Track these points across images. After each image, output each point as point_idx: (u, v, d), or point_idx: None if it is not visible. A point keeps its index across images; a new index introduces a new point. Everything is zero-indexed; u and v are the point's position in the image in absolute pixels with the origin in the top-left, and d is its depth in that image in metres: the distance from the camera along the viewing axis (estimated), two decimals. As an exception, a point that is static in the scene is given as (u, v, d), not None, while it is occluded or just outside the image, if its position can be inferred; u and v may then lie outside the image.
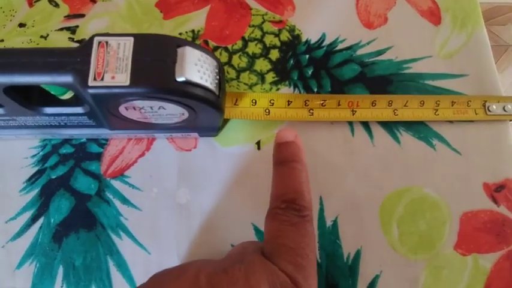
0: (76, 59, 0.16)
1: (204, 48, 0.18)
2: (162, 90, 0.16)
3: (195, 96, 0.17)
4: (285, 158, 0.18)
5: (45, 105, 0.19)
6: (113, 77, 0.16)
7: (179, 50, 0.17)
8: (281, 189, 0.17)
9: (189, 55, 0.17)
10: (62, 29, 0.26)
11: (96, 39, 0.16)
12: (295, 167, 0.18)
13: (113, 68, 0.16)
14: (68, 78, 0.16)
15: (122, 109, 0.18)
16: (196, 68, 0.17)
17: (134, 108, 0.18)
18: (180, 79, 0.16)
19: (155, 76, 0.16)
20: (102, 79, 0.16)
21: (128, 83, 0.16)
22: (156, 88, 0.16)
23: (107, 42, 0.16)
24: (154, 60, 0.16)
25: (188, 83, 0.16)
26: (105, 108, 0.18)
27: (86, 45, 0.16)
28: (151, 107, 0.18)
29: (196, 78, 0.17)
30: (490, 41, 0.27)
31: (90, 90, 0.16)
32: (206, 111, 0.19)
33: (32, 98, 0.19)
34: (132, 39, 0.16)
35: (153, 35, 0.17)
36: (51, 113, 0.19)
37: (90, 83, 0.16)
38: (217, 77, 0.18)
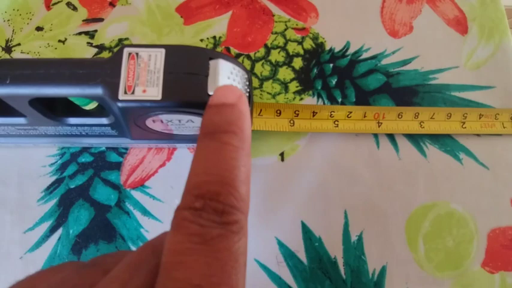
0: (106, 70, 0.15)
1: (235, 59, 0.17)
2: (194, 104, 0.16)
3: (227, 111, 0.16)
4: (215, 128, 0.12)
5: (69, 116, 0.18)
6: (144, 91, 0.15)
7: (211, 62, 0.16)
8: (199, 175, 0.11)
9: (222, 68, 0.16)
10: (80, 33, 0.25)
11: (126, 51, 0.16)
12: (229, 141, 0.12)
13: (144, 81, 0.15)
14: (97, 91, 0.15)
15: (148, 122, 0.18)
16: (228, 82, 0.16)
17: (161, 121, 0.18)
18: (212, 93, 0.16)
19: (188, 90, 0.15)
20: (132, 92, 0.15)
21: (159, 97, 0.15)
22: (189, 103, 0.15)
23: (137, 54, 0.16)
24: (186, 73, 0.16)
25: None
26: (131, 121, 0.17)
27: (115, 57, 0.16)
28: (179, 120, 0.17)
29: (228, 92, 0.16)
30: (517, 52, 0.26)
31: (120, 104, 0.15)
32: (235, 124, 0.18)
33: (55, 108, 0.18)
34: (163, 50, 0.16)
35: (185, 46, 0.16)
36: (75, 124, 0.19)
37: (121, 96, 0.15)
38: (248, 89, 0.18)
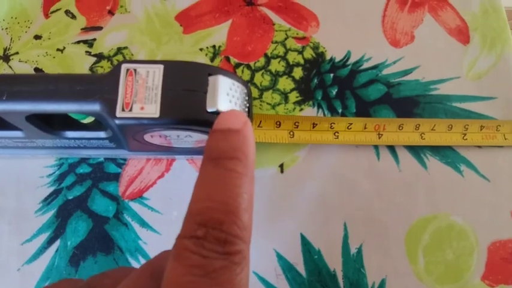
0: (104, 87, 0.15)
1: (234, 74, 0.17)
2: (193, 122, 0.15)
3: (226, 127, 0.16)
4: (220, 153, 0.12)
5: (66, 130, 0.18)
6: (142, 108, 0.15)
7: (210, 78, 0.16)
8: (201, 202, 0.11)
9: (221, 84, 0.16)
10: (79, 42, 0.25)
11: (124, 67, 0.16)
12: (233, 168, 0.11)
13: (142, 98, 0.15)
14: (95, 107, 0.15)
15: (147, 136, 0.17)
16: (228, 98, 0.16)
17: (160, 136, 0.17)
18: (211, 110, 0.15)
19: (186, 107, 0.15)
20: (130, 110, 0.15)
21: (157, 114, 0.15)
22: (187, 120, 0.15)
23: (135, 70, 0.15)
24: (185, 89, 0.15)
25: (220, 113, 0.16)
26: (129, 135, 0.17)
27: (113, 73, 0.16)
28: (178, 135, 0.17)
29: (227, 108, 0.16)
30: (519, 62, 0.26)
31: (118, 121, 0.15)
32: (234, 138, 0.18)
33: (52, 122, 0.18)
34: (161, 67, 0.16)
35: (183, 62, 0.16)
36: (72, 137, 0.19)
37: (118, 114, 0.15)
38: (247, 104, 0.18)
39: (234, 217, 0.11)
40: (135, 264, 0.21)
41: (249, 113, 0.18)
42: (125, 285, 0.11)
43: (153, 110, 0.15)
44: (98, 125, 0.18)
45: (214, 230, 0.10)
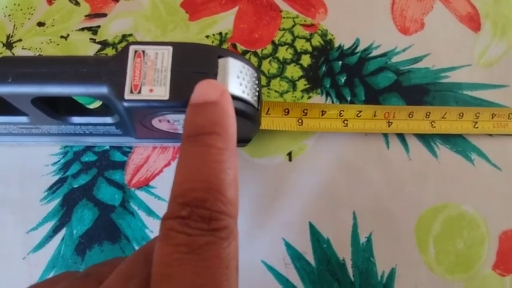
0: (111, 69, 0.15)
1: (244, 58, 0.17)
2: (203, 105, 0.15)
3: (236, 111, 0.16)
4: (197, 130, 0.11)
5: (72, 115, 0.18)
6: (151, 90, 0.15)
7: (220, 61, 0.15)
8: (183, 182, 0.11)
9: (231, 67, 0.15)
10: (83, 29, 0.25)
11: (132, 48, 0.15)
12: (212, 143, 0.11)
13: (151, 80, 0.15)
14: (102, 90, 0.15)
15: (155, 121, 0.17)
16: (238, 81, 0.16)
17: (168, 121, 0.17)
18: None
19: (196, 90, 0.15)
20: (139, 92, 0.15)
21: (167, 97, 0.15)
22: (197, 103, 0.15)
23: (143, 52, 0.15)
24: (194, 72, 0.15)
25: (231, 96, 0.15)
26: (137, 120, 0.17)
27: (121, 55, 0.15)
28: (186, 120, 0.17)
29: (238, 91, 0.16)
30: (531, 49, 0.25)
31: (126, 104, 0.15)
32: (243, 123, 0.18)
33: (58, 107, 0.18)
34: (170, 48, 0.15)
35: (193, 44, 0.15)
36: (78, 123, 0.18)
37: (127, 96, 0.15)
38: (257, 89, 0.17)
39: (217, 193, 0.11)
40: (142, 253, 0.21)
41: (259, 98, 0.18)
42: (119, 270, 0.11)
43: (162, 92, 0.15)
44: (104, 110, 0.18)
45: (198, 209, 0.10)
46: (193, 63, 0.15)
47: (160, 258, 0.10)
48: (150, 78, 0.15)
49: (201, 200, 0.10)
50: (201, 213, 0.10)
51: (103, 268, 0.12)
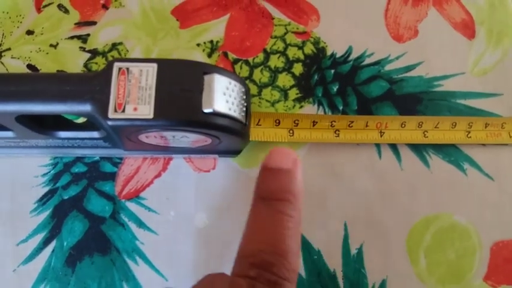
0: (95, 87, 0.15)
1: (231, 72, 0.17)
2: (188, 123, 0.15)
3: (223, 128, 0.16)
4: (271, 194, 0.12)
5: (58, 130, 0.18)
6: (135, 109, 0.14)
7: (206, 77, 0.15)
8: (253, 243, 0.12)
9: (217, 83, 0.15)
10: (72, 38, 0.24)
11: (116, 65, 0.15)
12: (284, 210, 0.12)
13: (135, 99, 0.15)
14: (86, 108, 0.15)
15: (142, 137, 0.17)
16: (224, 98, 0.15)
17: (155, 137, 0.17)
18: (207, 110, 0.15)
19: (181, 108, 0.15)
20: (123, 111, 0.14)
21: (151, 115, 0.14)
22: (183, 121, 0.15)
23: (128, 69, 0.15)
24: (179, 89, 0.15)
25: (216, 114, 0.15)
26: (123, 136, 0.17)
27: (105, 72, 0.15)
28: (173, 136, 0.17)
29: (224, 108, 0.15)
30: (526, 57, 0.25)
31: (110, 123, 0.15)
32: (231, 138, 0.18)
33: (44, 122, 0.18)
34: (155, 65, 0.15)
35: (177, 61, 0.15)
36: (65, 137, 0.18)
37: (110, 115, 0.14)
38: (245, 104, 0.17)
39: (283, 260, 0.11)
40: (133, 265, 0.21)
41: (247, 112, 0.18)
42: None
43: (146, 111, 0.14)
44: (91, 124, 0.18)
45: (265, 272, 0.11)
46: (179, 81, 0.15)
47: None
48: (134, 96, 0.15)
49: (269, 263, 0.11)
50: (268, 277, 0.11)
51: None
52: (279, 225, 0.12)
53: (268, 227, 0.12)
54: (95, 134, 0.18)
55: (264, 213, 0.12)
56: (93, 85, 0.15)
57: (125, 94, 0.15)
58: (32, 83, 0.15)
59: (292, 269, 0.11)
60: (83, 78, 0.15)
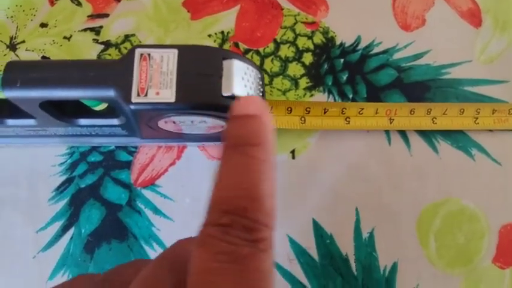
0: (118, 72, 0.15)
1: (248, 59, 0.17)
2: (208, 106, 0.15)
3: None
4: (240, 140, 0.12)
5: (79, 117, 0.18)
6: (157, 93, 0.15)
7: (225, 62, 0.16)
8: (225, 190, 0.11)
9: (236, 68, 0.16)
10: (85, 30, 0.25)
11: (138, 51, 0.15)
12: (254, 154, 0.11)
13: (157, 83, 0.15)
14: (109, 93, 0.15)
15: (161, 123, 0.17)
16: (243, 83, 0.16)
17: (174, 122, 0.17)
18: (227, 94, 0.15)
19: (202, 92, 0.15)
20: (146, 95, 0.15)
21: (173, 99, 0.15)
22: (203, 104, 0.15)
23: (149, 55, 0.15)
24: (200, 74, 0.15)
25: (235, 98, 0.16)
26: (143, 122, 0.17)
27: (126, 58, 0.15)
28: (192, 121, 0.17)
29: (243, 92, 0.16)
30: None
31: (133, 107, 0.15)
32: (247, 124, 0.18)
33: (65, 109, 0.18)
34: (176, 51, 0.15)
35: (197, 46, 0.16)
36: (85, 125, 0.19)
37: (134, 99, 0.15)
38: (261, 89, 0.18)
39: (258, 204, 0.11)
40: (150, 251, 0.22)
41: (263, 98, 0.18)
42: (143, 278, 0.11)
43: (168, 95, 0.15)
44: (110, 112, 0.18)
45: (240, 218, 0.10)
46: (199, 66, 0.15)
47: (200, 266, 0.10)
48: (156, 81, 0.15)
49: (243, 209, 0.10)
50: (243, 223, 0.10)
51: (123, 272, 0.12)
52: (251, 170, 0.11)
53: (240, 172, 0.11)
54: (114, 121, 0.18)
55: (235, 159, 0.11)
56: (116, 71, 0.15)
57: (147, 79, 0.15)
58: (57, 70, 0.15)
59: (268, 213, 0.11)
60: (106, 65, 0.15)
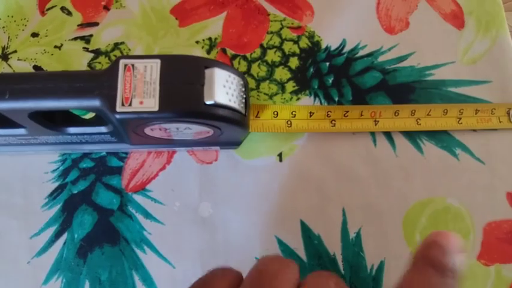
0: (103, 83, 0.16)
1: (230, 66, 0.18)
2: (191, 114, 0.16)
3: (224, 118, 0.17)
4: (435, 259, 0.13)
5: (68, 126, 0.19)
6: (141, 102, 0.15)
7: (207, 71, 0.16)
8: None
9: (218, 77, 0.16)
10: (76, 39, 0.25)
11: (122, 62, 0.16)
12: (446, 282, 0.13)
13: (141, 93, 0.15)
14: (95, 103, 0.16)
15: (147, 130, 0.18)
16: (224, 90, 0.16)
17: (160, 129, 0.18)
18: (209, 102, 0.16)
19: (184, 100, 0.16)
20: (130, 104, 0.15)
21: (156, 108, 0.15)
22: (186, 112, 0.16)
23: (133, 65, 0.16)
24: (182, 83, 0.16)
25: (217, 105, 0.16)
26: (130, 129, 0.18)
27: (111, 68, 0.16)
28: (177, 128, 0.18)
29: (224, 100, 0.16)
30: (514, 43, 0.26)
31: (118, 116, 0.16)
32: (232, 129, 0.18)
33: (54, 118, 0.19)
34: (158, 61, 0.16)
35: (180, 56, 0.16)
36: (74, 133, 0.19)
37: (118, 108, 0.15)
38: (244, 95, 0.18)
39: None
40: (141, 254, 0.22)
41: (246, 104, 0.19)
42: None
43: (152, 104, 0.15)
44: (99, 120, 0.19)
45: None
46: (181, 75, 0.16)
47: None
48: (140, 90, 0.15)
49: None
50: None
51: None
52: None
53: None
54: (103, 129, 0.19)
55: (433, 279, 0.13)
56: (101, 81, 0.16)
57: (131, 89, 0.15)
58: (44, 81, 0.16)
59: None
60: (92, 75, 0.16)
